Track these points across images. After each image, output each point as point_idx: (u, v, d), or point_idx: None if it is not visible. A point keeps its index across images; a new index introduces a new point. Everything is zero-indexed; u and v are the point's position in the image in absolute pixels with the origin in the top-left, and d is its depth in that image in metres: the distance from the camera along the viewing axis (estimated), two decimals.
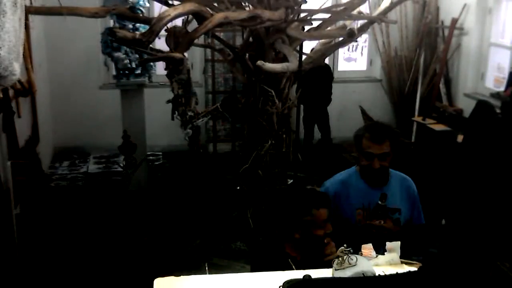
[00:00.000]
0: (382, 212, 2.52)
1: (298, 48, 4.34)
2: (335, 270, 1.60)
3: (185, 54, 3.73)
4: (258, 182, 4.55)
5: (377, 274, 1.56)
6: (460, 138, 5.03)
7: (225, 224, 4.84)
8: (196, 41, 3.82)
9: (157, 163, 6.53)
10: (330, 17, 4.37)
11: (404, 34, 6.93)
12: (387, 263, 1.88)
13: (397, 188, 2.69)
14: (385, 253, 1.92)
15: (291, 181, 4.80)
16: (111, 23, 4.63)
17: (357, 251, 1.86)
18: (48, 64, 6.25)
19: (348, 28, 4.07)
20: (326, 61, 6.67)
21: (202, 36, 3.97)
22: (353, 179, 2.70)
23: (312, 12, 4.24)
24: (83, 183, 5.86)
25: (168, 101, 4.02)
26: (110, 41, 4.44)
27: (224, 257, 4.33)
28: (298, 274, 1.62)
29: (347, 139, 7.18)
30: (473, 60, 6.16)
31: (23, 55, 2.61)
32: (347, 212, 2.64)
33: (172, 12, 3.38)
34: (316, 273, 1.63)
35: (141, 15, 4.48)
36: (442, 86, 6.53)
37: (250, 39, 4.34)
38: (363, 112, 5.89)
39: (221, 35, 5.88)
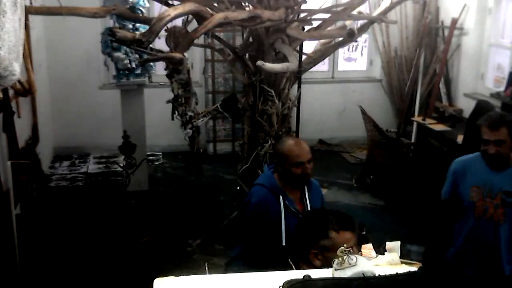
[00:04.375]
0: None
1: (298, 48, 4.35)
2: (335, 270, 1.59)
3: (185, 54, 3.73)
4: None
5: (377, 274, 1.56)
6: (460, 138, 5.03)
7: (224, 224, 4.84)
8: (196, 41, 3.82)
9: (157, 163, 6.54)
10: (330, 17, 4.37)
11: (404, 34, 6.93)
12: (387, 263, 1.87)
13: None
14: (385, 253, 1.92)
15: None
16: (111, 23, 4.63)
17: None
18: (48, 64, 6.25)
19: (348, 28, 4.07)
20: (326, 61, 6.69)
21: (202, 36, 3.97)
22: (475, 159, 2.93)
23: (312, 12, 4.24)
24: (83, 183, 5.86)
25: (168, 101, 4.03)
26: (110, 41, 4.44)
27: (224, 257, 4.33)
28: (298, 274, 1.61)
29: (347, 139, 7.20)
30: (473, 60, 6.16)
31: (23, 55, 2.60)
32: (462, 189, 2.94)
33: (172, 12, 3.38)
34: (316, 273, 1.63)
35: (141, 15, 4.48)
36: (442, 86, 6.53)
37: (250, 39, 4.35)
38: (363, 112, 5.88)
39: (221, 35, 5.89)
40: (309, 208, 2.64)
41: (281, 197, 2.58)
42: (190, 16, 3.97)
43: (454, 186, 3.00)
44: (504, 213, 2.79)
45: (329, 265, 1.93)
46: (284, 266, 1.98)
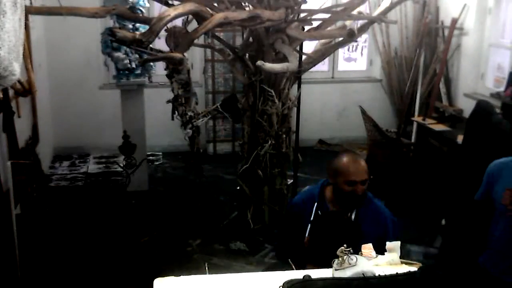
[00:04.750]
0: None
1: (298, 48, 4.34)
2: (335, 270, 1.60)
3: (185, 54, 3.73)
4: (258, 182, 4.55)
5: (377, 274, 1.56)
6: (460, 138, 5.03)
7: (224, 224, 4.84)
8: (196, 41, 3.82)
9: (157, 163, 6.54)
10: (330, 17, 4.37)
11: (404, 34, 6.93)
12: (387, 263, 1.87)
13: None
14: (385, 253, 1.92)
15: (291, 181, 4.81)
16: (111, 23, 4.63)
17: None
18: (48, 64, 6.25)
19: (348, 28, 4.06)
20: (326, 61, 6.69)
21: (202, 36, 3.97)
22: (509, 162, 2.79)
23: (312, 12, 4.24)
24: (83, 183, 5.86)
25: (168, 101, 4.03)
26: (110, 41, 4.44)
27: (224, 257, 4.33)
28: (298, 274, 1.62)
29: (347, 139, 7.20)
30: (473, 60, 6.16)
31: (23, 55, 2.60)
32: (495, 191, 2.76)
33: (172, 12, 3.38)
34: (316, 273, 1.63)
35: (141, 15, 4.47)
36: (442, 86, 6.53)
37: (250, 39, 4.35)
38: (363, 112, 5.88)
39: (221, 35, 5.89)
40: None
41: (316, 204, 2.56)
42: (190, 16, 3.97)
43: (488, 188, 2.89)
44: None
45: None
46: (303, 265, 2.09)
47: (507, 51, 5.80)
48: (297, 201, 2.73)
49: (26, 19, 2.85)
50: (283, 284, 1.46)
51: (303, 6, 4.15)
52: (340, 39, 4.45)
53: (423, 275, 1.51)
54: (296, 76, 4.46)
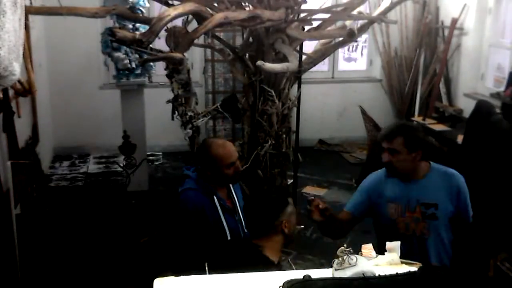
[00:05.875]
0: None
1: (298, 48, 4.34)
2: (335, 270, 1.60)
3: (185, 54, 3.73)
4: (258, 182, 4.54)
5: (377, 274, 1.56)
6: (460, 138, 5.03)
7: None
8: (196, 41, 3.82)
9: (157, 163, 6.54)
10: (330, 17, 4.37)
11: (404, 34, 6.93)
12: (387, 263, 1.88)
13: (437, 183, 2.71)
14: (385, 253, 1.92)
15: (291, 181, 4.81)
16: (111, 23, 4.64)
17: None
18: (48, 64, 6.25)
19: (348, 28, 4.07)
20: (326, 61, 6.69)
21: (202, 36, 3.97)
22: (384, 175, 2.79)
23: (312, 12, 4.24)
24: (83, 183, 5.86)
25: (168, 101, 4.03)
26: (110, 41, 4.44)
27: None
28: (298, 274, 1.62)
29: (347, 139, 7.20)
30: (473, 60, 6.16)
31: (23, 55, 2.60)
32: (380, 207, 2.74)
33: (172, 12, 3.38)
34: (316, 273, 1.63)
35: (141, 15, 4.48)
36: (442, 86, 6.53)
37: (250, 39, 4.35)
38: (363, 112, 5.88)
39: (221, 35, 5.88)
40: (237, 203, 2.72)
41: (215, 197, 2.61)
42: (190, 16, 3.97)
43: (375, 207, 2.80)
44: (427, 226, 2.63)
45: (294, 229, 2.34)
46: (232, 258, 2.21)
47: (507, 51, 5.81)
48: (196, 205, 2.56)
49: (26, 19, 2.85)
50: (283, 284, 1.46)
51: (303, 6, 4.15)
52: (340, 39, 4.45)
53: (423, 275, 1.51)
54: (296, 76, 4.46)
